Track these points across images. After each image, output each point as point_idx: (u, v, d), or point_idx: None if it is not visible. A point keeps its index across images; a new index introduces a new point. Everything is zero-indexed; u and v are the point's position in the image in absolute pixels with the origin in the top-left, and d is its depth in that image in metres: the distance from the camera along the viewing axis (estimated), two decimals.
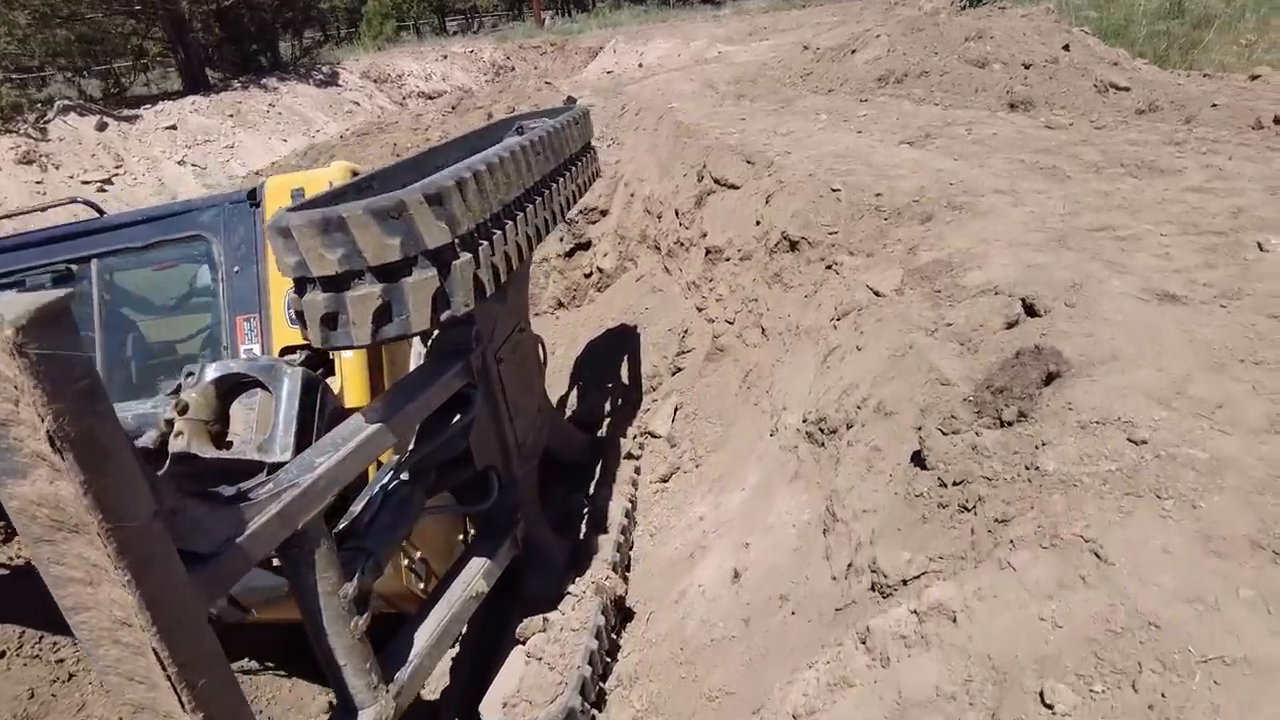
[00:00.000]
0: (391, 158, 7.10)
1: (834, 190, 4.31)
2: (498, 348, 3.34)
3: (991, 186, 4.09)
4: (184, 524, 1.59)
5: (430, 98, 20.23)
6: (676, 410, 4.56)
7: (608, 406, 4.91)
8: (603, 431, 4.70)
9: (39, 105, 13.94)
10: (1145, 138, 4.58)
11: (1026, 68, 6.43)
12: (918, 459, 2.45)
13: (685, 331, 4.98)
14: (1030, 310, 2.85)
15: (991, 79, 6.16)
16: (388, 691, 2.39)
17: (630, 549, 3.80)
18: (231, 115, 15.63)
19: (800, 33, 14.66)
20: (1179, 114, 4.78)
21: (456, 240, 2.32)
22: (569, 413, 5.11)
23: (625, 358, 5.22)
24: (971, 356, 2.71)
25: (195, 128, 15.07)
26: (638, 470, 4.24)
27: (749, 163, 5.00)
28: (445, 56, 20.80)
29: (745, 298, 4.57)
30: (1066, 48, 7.30)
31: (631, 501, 3.98)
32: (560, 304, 6.29)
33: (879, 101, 6.59)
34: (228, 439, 2.66)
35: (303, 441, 2.74)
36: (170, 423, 2.50)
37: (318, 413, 2.84)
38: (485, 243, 2.50)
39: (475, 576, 3.04)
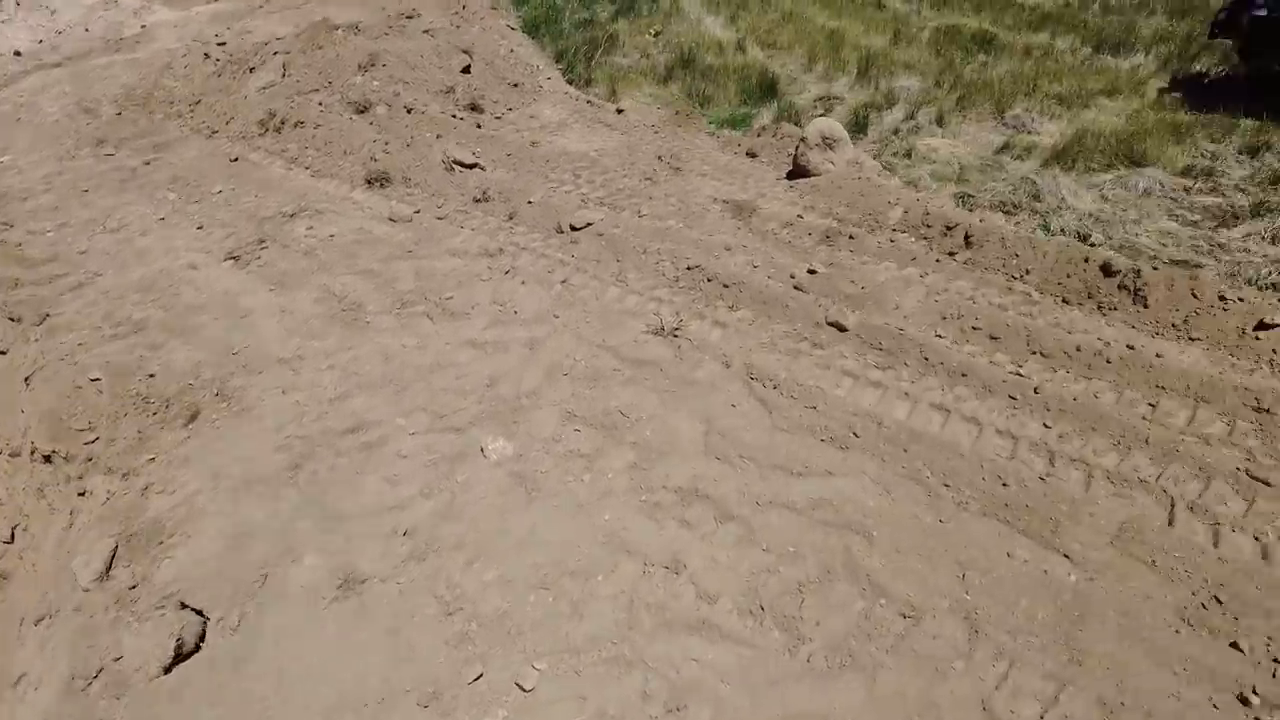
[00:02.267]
0: None
1: (94, 380, 3.56)
2: None
3: (277, 353, 3.68)
4: None
5: None
6: None
7: None
8: None
9: None
10: (467, 245, 4.51)
11: (408, 112, 6.11)
12: None
13: None
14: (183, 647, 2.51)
15: (361, 137, 5.70)
16: None
17: None
18: None
19: None
20: (505, 207, 4.81)
21: None
22: None
23: None
24: None
25: None
26: None
27: (12, 320, 3.99)
28: None
29: (20, 510, 3.69)
30: (467, 70, 7.14)
31: None
32: None
33: (250, 161, 5.80)
34: None
35: None
36: None
37: None
38: None
39: None
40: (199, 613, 2.53)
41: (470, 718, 2.19)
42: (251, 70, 7.21)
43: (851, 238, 4.41)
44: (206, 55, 7.88)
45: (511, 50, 8.35)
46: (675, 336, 3.62)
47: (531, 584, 2.55)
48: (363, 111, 6.13)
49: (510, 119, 6.56)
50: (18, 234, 4.88)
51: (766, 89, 7.42)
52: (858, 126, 6.52)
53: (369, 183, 5.23)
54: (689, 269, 4.10)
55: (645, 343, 3.61)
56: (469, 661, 2.34)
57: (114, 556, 2.84)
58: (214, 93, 7.14)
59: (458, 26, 9.22)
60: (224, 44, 8.43)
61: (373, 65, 6.65)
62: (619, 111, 6.76)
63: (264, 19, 10.74)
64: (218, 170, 5.72)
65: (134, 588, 2.69)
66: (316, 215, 4.91)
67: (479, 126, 6.14)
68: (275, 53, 7.22)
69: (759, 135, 6.13)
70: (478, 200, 4.90)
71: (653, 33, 9.97)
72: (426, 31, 7.42)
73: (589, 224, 4.49)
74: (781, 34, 9.40)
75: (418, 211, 4.92)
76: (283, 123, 6.09)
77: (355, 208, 5.01)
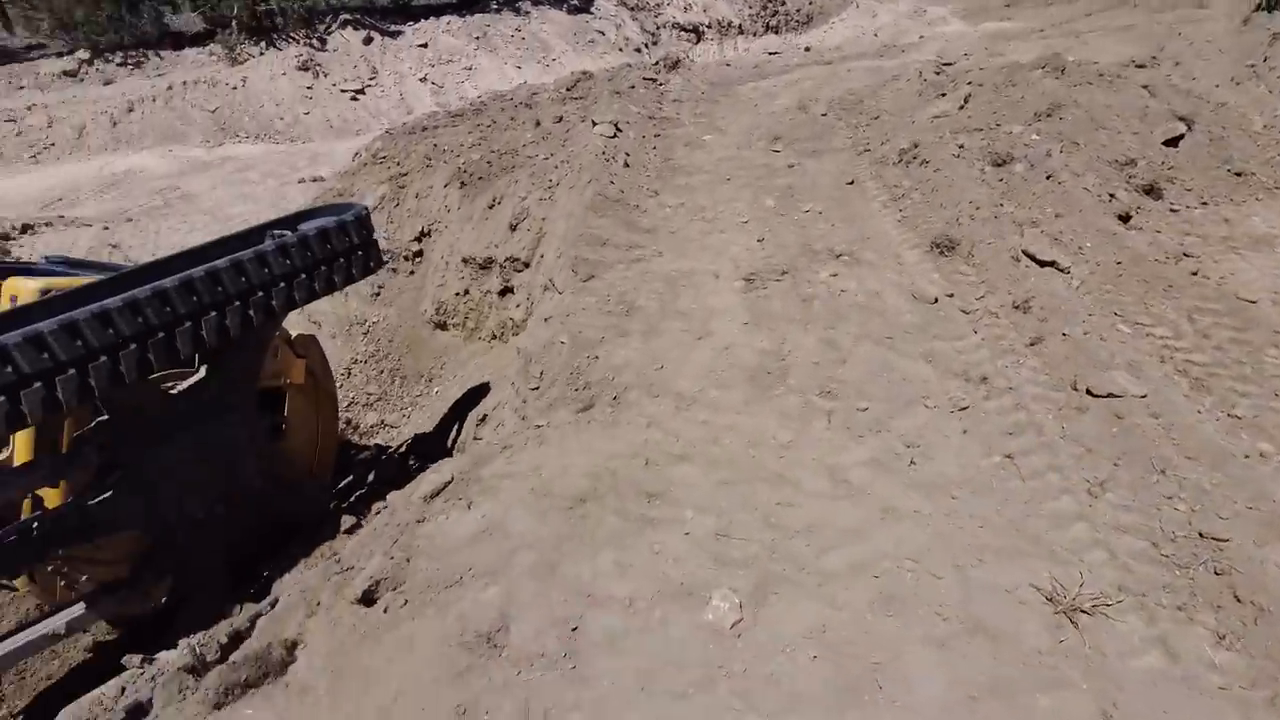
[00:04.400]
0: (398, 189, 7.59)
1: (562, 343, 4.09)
2: (162, 440, 3.89)
3: (686, 386, 3.64)
4: None
5: (685, 30, 20.12)
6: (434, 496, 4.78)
7: (399, 470, 5.24)
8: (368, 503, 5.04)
9: (325, 18, 16.33)
10: (951, 364, 3.64)
11: (1046, 178, 5.05)
12: None
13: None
14: None
15: (969, 195, 4.93)
16: None
17: None
18: (478, 38, 17.03)
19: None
20: (1041, 327, 3.56)
21: None
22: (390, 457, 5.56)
23: (463, 420, 5.46)
24: None
25: (443, 48, 16.72)
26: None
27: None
28: None
29: None
30: (1174, 142, 5.58)
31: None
32: (495, 336, 6.55)
33: (859, 188, 5.66)
34: None
35: None
36: None
37: None
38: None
39: (57, 623, 3.79)
40: None
41: None
42: (941, 95, 6.96)
43: None
44: (921, 74, 7.88)
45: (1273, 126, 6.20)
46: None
47: None
48: (999, 165, 5.37)
49: (1184, 217, 4.94)
50: (636, 202, 5.80)
51: None
52: None
53: (932, 246, 4.62)
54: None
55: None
56: None
57: None
58: (898, 112, 7.14)
59: (1236, 84, 7.24)
60: (950, 64, 8.30)
61: (1049, 115, 5.72)
62: None
63: (1034, 43, 10.21)
64: (827, 188, 5.79)
65: None
66: (852, 264, 4.58)
67: (1125, 218, 4.78)
68: (969, 83, 6.80)
69: None
70: (1017, 307, 3.89)
71: None
72: (1145, 86, 5.98)
73: (1115, 394, 3.15)
74: None
75: (950, 295, 4.17)
76: (914, 158, 5.77)
77: (893, 268, 4.51)
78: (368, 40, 16.18)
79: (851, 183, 5.82)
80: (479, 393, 5.65)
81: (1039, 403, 3.28)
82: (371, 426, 6.78)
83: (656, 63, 10.65)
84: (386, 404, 6.97)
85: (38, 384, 3.19)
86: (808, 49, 11.29)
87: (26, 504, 3.96)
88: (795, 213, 5.44)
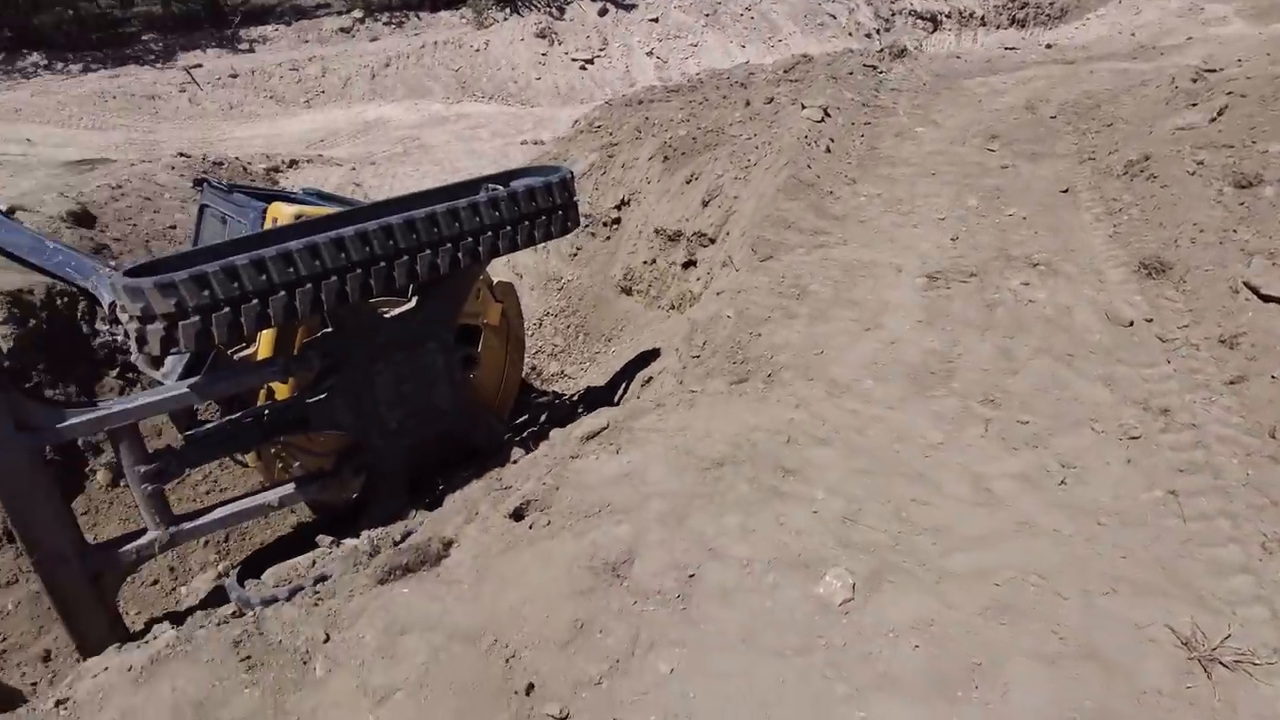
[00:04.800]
0: (603, 158, 7.93)
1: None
2: (373, 356, 4.47)
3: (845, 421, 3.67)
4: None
5: (922, 18, 19.24)
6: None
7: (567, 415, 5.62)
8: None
9: None
10: (1133, 391, 3.41)
11: None
12: None
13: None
14: None
15: (1197, 215, 4.45)
16: (167, 529, 4.04)
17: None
18: (708, 15, 17.25)
19: None
20: (1247, 366, 3.21)
21: (191, 308, 3.51)
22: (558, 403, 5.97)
23: (631, 379, 5.77)
24: None
25: (673, 23, 17.12)
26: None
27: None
28: None
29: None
30: None
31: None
32: (674, 306, 6.80)
33: (1075, 197, 5.27)
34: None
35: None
36: None
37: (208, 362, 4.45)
38: (228, 309, 3.63)
39: (272, 496, 4.49)
40: None
41: None
42: (1192, 105, 6.31)
43: None
44: (1173, 80, 7.15)
45: None
46: None
47: None
48: (1243, 187, 4.84)
49: None
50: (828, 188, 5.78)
51: None
52: None
53: (1140, 267, 4.30)
54: None
55: None
56: None
57: None
58: (1136, 120, 6.57)
59: None
60: (1212, 71, 7.44)
61: None
62: None
63: None
64: (1038, 193, 5.48)
65: None
66: (1047, 274, 4.36)
67: None
68: (1228, 93, 6.11)
69: None
70: (1224, 341, 3.56)
71: None
72: None
73: None
74: None
75: (1148, 320, 3.88)
76: (1141, 171, 5.32)
77: (1092, 284, 4.24)
78: (603, 11, 16.90)
79: (1066, 191, 5.47)
80: (649, 356, 5.93)
81: (1224, 444, 3.02)
82: (552, 375, 7.31)
83: (881, 50, 10.33)
84: (568, 356, 7.46)
85: (282, 293, 3.78)
86: (1049, 46, 10.48)
87: (262, 394, 4.73)
88: (998, 215, 5.22)
